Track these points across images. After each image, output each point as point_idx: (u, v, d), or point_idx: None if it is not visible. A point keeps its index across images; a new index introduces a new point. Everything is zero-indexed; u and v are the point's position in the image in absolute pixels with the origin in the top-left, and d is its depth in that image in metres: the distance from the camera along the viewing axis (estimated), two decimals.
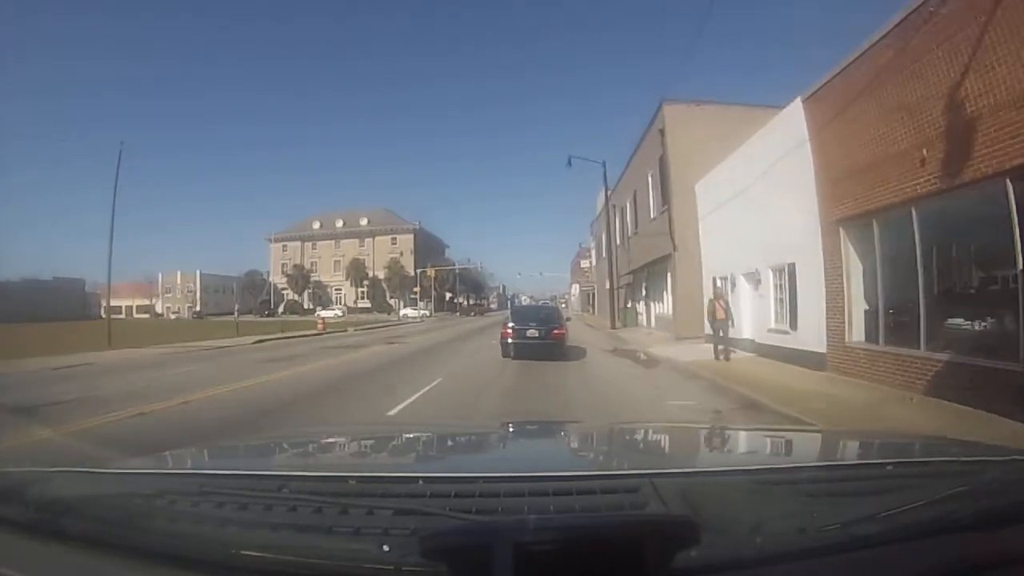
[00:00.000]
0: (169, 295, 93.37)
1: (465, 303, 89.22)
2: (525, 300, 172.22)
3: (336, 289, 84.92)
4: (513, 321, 14.13)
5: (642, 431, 2.62)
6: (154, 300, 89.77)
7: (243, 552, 0.92)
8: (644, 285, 27.64)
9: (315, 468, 1.71)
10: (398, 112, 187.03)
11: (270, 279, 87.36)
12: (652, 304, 25.94)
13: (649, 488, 1.13)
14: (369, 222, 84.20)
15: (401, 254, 79.41)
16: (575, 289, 73.03)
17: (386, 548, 0.89)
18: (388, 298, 78.17)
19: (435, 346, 20.20)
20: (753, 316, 14.59)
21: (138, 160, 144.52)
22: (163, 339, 23.69)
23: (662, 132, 21.88)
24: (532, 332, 13.55)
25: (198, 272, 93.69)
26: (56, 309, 66.37)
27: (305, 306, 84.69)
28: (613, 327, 26.85)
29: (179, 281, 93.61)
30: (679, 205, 20.94)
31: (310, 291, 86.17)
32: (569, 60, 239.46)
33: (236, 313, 37.31)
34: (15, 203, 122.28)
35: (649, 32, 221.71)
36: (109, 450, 4.99)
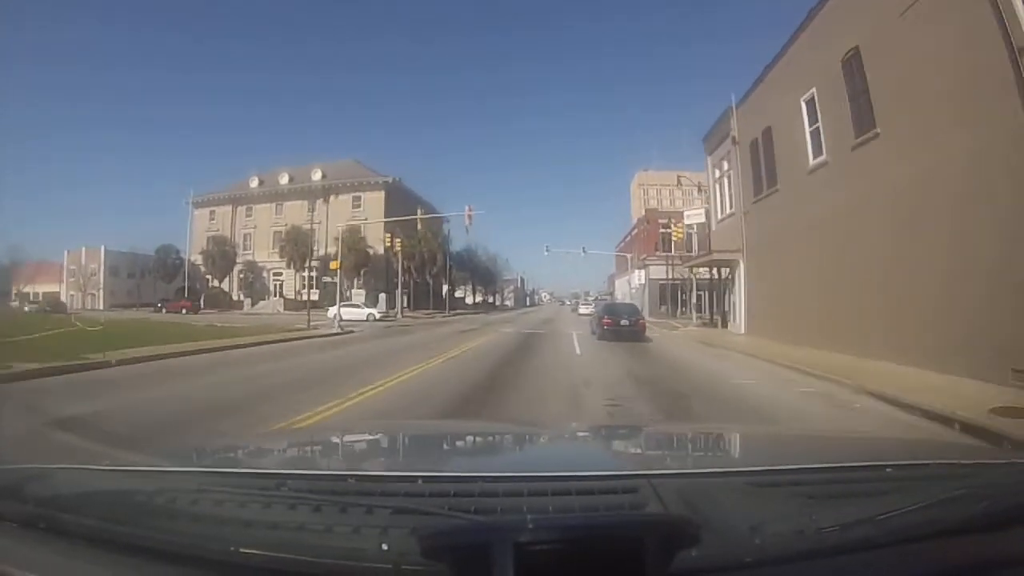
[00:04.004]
0: (73, 280, 68.44)
1: (472, 299, 62.43)
2: (546, 297, 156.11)
3: (275, 273, 57.78)
4: (608, 315, 19.43)
5: (642, 432, 2.74)
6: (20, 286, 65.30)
7: (242, 550, 0.92)
8: None
9: (314, 467, 1.72)
10: (399, 68, 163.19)
11: (188, 258, 61.04)
12: None
13: (648, 488, 1.12)
14: (325, 176, 56.10)
15: (366, 220, 50.64)
16: (636, 278, 44.31)
17: (385, 547, 0.88)
18: (347, 288, 51.12)
19: None
20: None
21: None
22: None
23: None
24: (624, 322, 18.84)
25: (103, 249, 68.42)
26: None
27: (235, 296, 58.31)
28: None
29: (83, 261, 68.70)
30: None
31: (241, 275, 59.44)
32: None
33: None
34: None
35: None
36: None
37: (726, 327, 22.12)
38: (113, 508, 1.10)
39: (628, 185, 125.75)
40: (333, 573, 0.88)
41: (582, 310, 47.32)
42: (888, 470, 1.37)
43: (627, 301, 37.51)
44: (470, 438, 2.28)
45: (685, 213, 26.08)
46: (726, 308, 22.82)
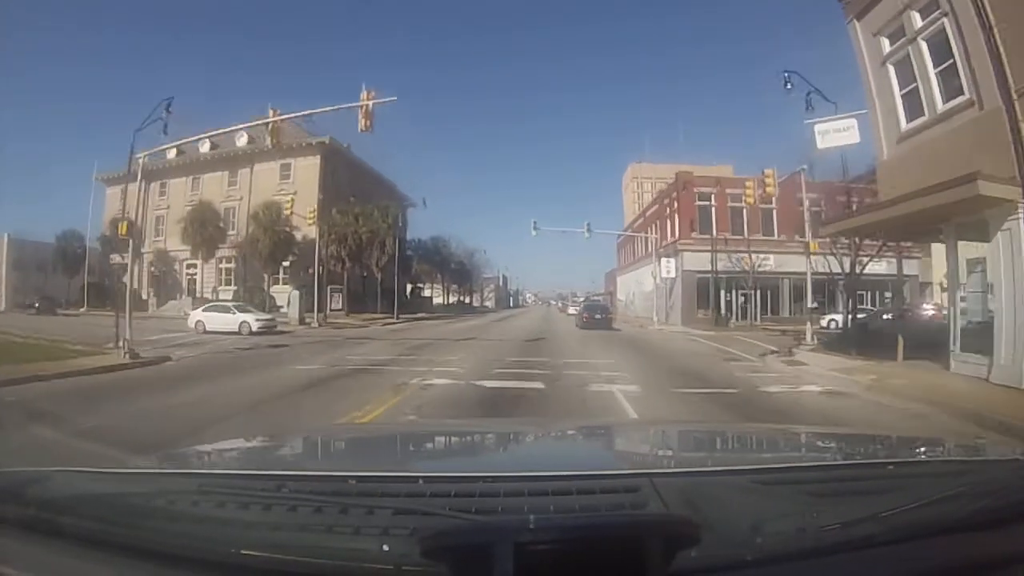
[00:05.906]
0: None
1: (444, 299, 50.22)
2: (531, 298, 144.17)
3: (189, 265, 45.45)
4: (586, 311, 28.37)
5: (642, 431, 2.73)
6: None
7: (243, 551, 0.92)
8: None
9: (315, 468, 1.70)
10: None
11: (89, 247, 49.03)
12: None
13: (649, 488, 1.11)
14: (251, 141, 43.64)
15: (295, 193, 37.85)
16: (663, 269, 30.94)
17: (386, 547, 0.89)
18: (268, 283, 38.87)
19: None
20: None
21: None
22: None
23: None
24: (597, 316, 27.25)
25: (6, 238, 57.10)
26: None
27: (144, 295, 46.03)
28: None
29: None
30: None
31: (152, 267, 47.24)
32: None
33: None
34: None
35: None
36: None
37: (909, 359, 9.92)
38: (114, 510, 1.09)
39: (620, 180, 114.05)
40: (334, 574, 0.88)
41: (571, 311, 50.42)
42: (889, 467, 1.36)
43: (602, 302, 42.88)
44: (471, 438, 2.25)
45: (816, 128, 12.65)
46: (947, 319, 10.53)
